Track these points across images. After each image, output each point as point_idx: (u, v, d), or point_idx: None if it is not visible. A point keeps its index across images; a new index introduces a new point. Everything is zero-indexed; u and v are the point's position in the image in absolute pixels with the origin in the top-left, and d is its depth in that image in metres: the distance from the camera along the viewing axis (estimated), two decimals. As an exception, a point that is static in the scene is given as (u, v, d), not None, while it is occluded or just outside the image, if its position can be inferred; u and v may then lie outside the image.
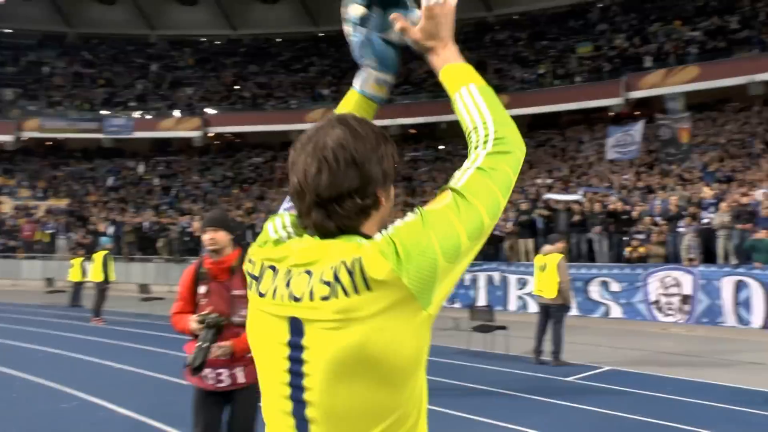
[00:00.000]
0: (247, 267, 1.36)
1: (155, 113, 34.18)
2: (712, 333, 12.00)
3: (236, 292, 3.62)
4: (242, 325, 3.59)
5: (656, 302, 13.28)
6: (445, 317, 10.83)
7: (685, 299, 12.91)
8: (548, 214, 16.36)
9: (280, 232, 1.36)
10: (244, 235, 21.39)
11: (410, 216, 1.22)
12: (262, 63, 37.16)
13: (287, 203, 1.49)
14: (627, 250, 14.53)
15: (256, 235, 15.15)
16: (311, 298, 1.21)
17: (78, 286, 16.76)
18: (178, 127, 33.33)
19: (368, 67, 1.54)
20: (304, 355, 1.22)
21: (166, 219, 25.26)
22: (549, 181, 21.86)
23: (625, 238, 14.93)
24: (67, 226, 26.13)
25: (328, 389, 1.21)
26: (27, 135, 32.87)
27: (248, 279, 1.35)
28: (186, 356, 3.51)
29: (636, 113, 25.34)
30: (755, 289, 12.11)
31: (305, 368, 1.22)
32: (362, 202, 1.25)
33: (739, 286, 12.29)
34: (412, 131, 31.98)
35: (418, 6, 1.46)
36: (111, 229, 23.96)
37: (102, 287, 14.09)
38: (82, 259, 16.54)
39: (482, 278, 15.58)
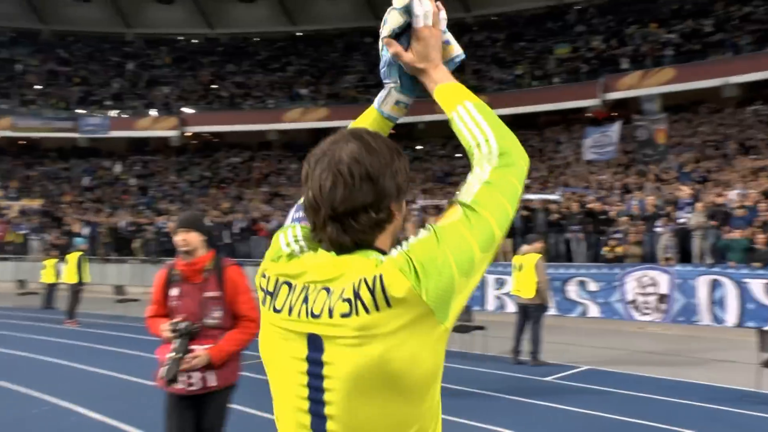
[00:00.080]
0: (260, 282, 1.37)
1: (132, 112, 33.80)
2: (688, 332, 12.10)
3: (209, 294, 3.57)
4: (215, 327, 3.54)
5: (633, 301, 13.37)
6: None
7: (662, 298, 13.01)
8: (526, 214, 16.42)
9: (293, 246, 1.38)
10: (221, 236, 21.21)
11: (424, 233, 1.24)
12: (239, 62, 36.92)
13: (296, 213, 1.51)
14: (604, 250, 14.62)
15: (233, 235, 15.02)
16: (331, 316, 1.23)
17: (51, 288, 16.50)
18: (154, 126, 32.99)
19: (390, 87, 1.56)
20: (325, 371, 1.24)
21: (142, 219, 24.96)
22: (527, 181, 21.91)
23: (602, 238, 15.02)
24: (40, 227, 25.71)
25: (349, 403, 1.23)
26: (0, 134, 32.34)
27: (261, 294, 1.36)
28: (158, 360, 3.48)
29: (613, 114, 25.55)
30: (729, 288, 12.23)
31: (326, 383, 1.24)
32: (376, 216, 1.26)
33: (714, 285, 12.41)
34: (391, 131, 31.95)
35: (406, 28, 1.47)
36: (86, 230, 23.60)
37: (76, 289, 13.87)
38: (55, 260, 16.28)
39: (461, 278, 15.54)
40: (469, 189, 1.30)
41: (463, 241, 1.22)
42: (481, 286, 15.40)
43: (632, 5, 30.97)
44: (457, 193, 1.31)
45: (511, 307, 12.20)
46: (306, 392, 1.27)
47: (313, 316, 1.25)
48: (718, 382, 7.98)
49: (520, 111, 27.27)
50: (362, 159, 1.26)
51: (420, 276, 1.18)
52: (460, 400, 7.15)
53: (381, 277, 1.20)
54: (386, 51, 1.51)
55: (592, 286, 13.93)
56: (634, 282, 13.36)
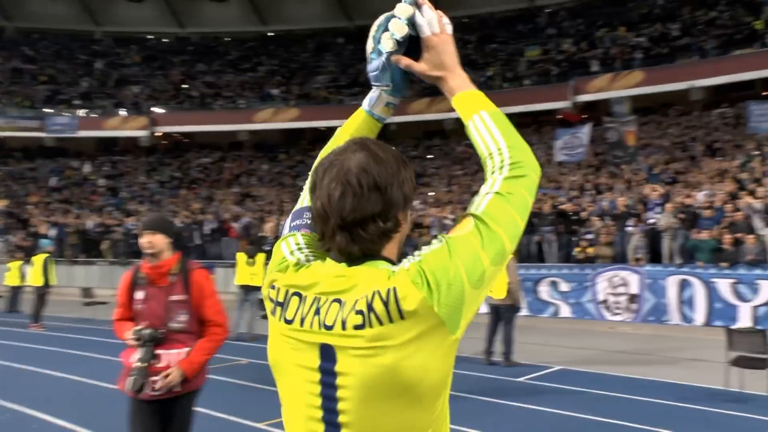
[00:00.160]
0: (269, 293, 1.38)
1: (101, 112, 33.20)
2: (658, 331, 12.25)
3: (174, 298, 3.52)
4: (181, 331, 3.47)
5: (604, 301, 13.49)
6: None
7: (632, 298, 13.15)
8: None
9: (297, 254, 1.40)
10: (191, 237, 20.95)
11: (436, 244, 1.27)
12: (210, 62, 36.54)
13: (293, 222, 1.53)
14: (576, 251, 14.74)
15: (203, 236, 14.76)
16: (344, 327, 1.25)
17: (16, 291, 16.13)
18: (124, 126, 32.46)
19: (381, 90, 1.58)
20: (338, 381, 1.26)
21: (111, 221, 24.54)
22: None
23: (574, 239, 15.14)
24: (5, 229, 25.12)
25: (363, 412, 1.26)
26: (-38, 133, 31.58)
27: (270, 305, 1.37)
28: (123, 364, 3.46)
29: (584, 116, 25.80)
30: (698, 288, 12.41)
31: (339, 393, 1.27)
32: (384, 226, 1.29)
33: (683, 285, 12.58)
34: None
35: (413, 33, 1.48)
36: (53, 232, 23.13)
37: (42, 292, 13.57)
38: (20, 262, 15.92)
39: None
40: (481, 200, 1.32)
41: (475, 253, 1.24)
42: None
43: (602, 9, 31.35)
44: (470, 204, 1.34)
45: (483, 308, 12.22)
46: (319, 401, 1.30)
47: (326, 327, 1.27)
48: (689, 381, 8.07)
49: (492, 113, 27.35)
50: (370, 169, 1.28)
51: (432, 288, 1.21)
52: (433, 402, 7.10)
53: (395, 290, 1.22)
54: (375, 55, 1.52)
55: (564, 286, 14.02)
56: (605, 282, 13.49)
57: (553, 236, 15.55)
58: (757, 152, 18.55)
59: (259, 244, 12.87)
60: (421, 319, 1.21)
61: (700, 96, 24.29)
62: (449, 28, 1.49)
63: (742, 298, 11.99)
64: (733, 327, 8.40)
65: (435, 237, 1.31)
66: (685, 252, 13.46)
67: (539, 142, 26.26)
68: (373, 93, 1.61)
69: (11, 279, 15.89)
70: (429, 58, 1.47)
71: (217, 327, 3.60)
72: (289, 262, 1.39)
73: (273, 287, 1.37)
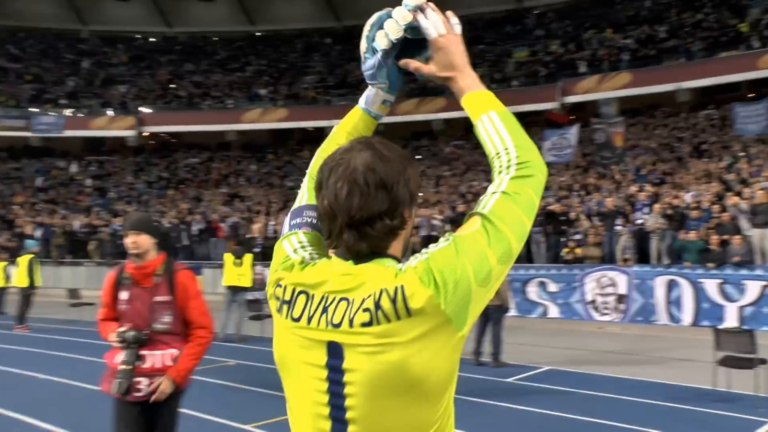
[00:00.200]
0: (275, 291, 1.39)
1: (87, 111, 32.93)
2: (645, 331, 12.30)
3: (159, 299, 3.50)
4: (165, 332, 3.45)
5: (593, 302, 13.54)
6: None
7: (620, 298, 13.20)
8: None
9: (301, 253, 1.41)
10: (179, 238, 20.83)
11: (443, 242, 1.28)
12: (198, 62, 36.36)
13: (293, 220, 1.53)
14: (564, 251, 14.78)
15: (191, 237, 14.65)
16: (351, 325, 1.27)
17: (1, 292, 15.95)
18: (111, 126, 32.21)
19: (377, 88, 1.60)
20: (346, 378, 1.28)
21: (98, 221, 24.35)
22: (486, 183, 22.08)
23: (562, 240, 15.18)
24: (-10, 229, 24.86)
25: (370, 408, 1.27)
26: (-54, 133, 31.21)
27: (275, 302, 1.38)
28: (107, 365, 3.45)
29: (572, 117, 25.90)
30: (685, 288, 12.48)
31: (347, 389, 1.28)
32: (391, 223, 1.30)
33: (671, 286, 12.64)
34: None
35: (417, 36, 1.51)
36: (39, 232, 22.91)
37: (27, 293, 13.44)
38: (5, 263, 15.74)
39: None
40: (488, 200, 1.34)
41: (482, 252, 1.26)
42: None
43: (589, 10, 31.49)
44: (477, 203, 1.36)
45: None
46: (326, 398, 1.31)
47: (334, 325, 1.29)
48: (677, 381, 8.10)
49: (479, 113, 27.38)
50: (377, 167, 1.29)
51: (439, 286, 1.23)
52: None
53: (402, 288, 1.23)
54: (370, 54, 1.54)
55: (552, 287, 14.06)
56: (594, 282, 13.53)
57: (541, 237, 15.58)
58: (742, 153, 18.70)
59: (246, 245, 12.81)
60: (428, 317, 1.23)
61: (687, 97, 24.46)
62: (458, 28, 1.51)
63: (728, 299, 12.07)
64: (720, 327, 8.44)
65: (431, 238, 1.30)
66: (672, 252, 13.53)
67: (527, 143, 26.34)
68: (370, 91, 1.62)
69: (-4, 280, 15.71)
70: (438, 60, 1.49)
71: (202, 329, 3.59)
72: (293, 260, 1.40)
73: (279, 285, 1.38)
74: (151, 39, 38.48)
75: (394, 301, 1.23)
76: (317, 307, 1.32)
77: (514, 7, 33.58)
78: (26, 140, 31.97)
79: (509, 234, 1.29)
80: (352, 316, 1.27)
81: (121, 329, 3.42)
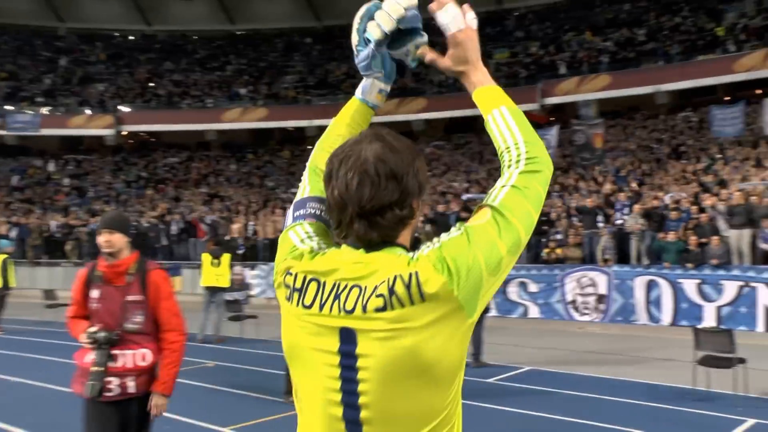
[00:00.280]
0: (286, 279, 1.40)
1: (65, 110, 32.48)
2: (625, 331, 12.37)
3: (131, 298, 3.46)
4: (136, 332, 3.39)
5: (573, 302, 13.59)
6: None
7: (601, 299, 13.27)
8: (465, 215, 16.50)
9: (309, 242, 1.44)
10: (158, 238, 20.60)
11: (455, 232, 1.32)
12: (177, 60, 36.05)
13: (296, 211, 1.55)
14: (545, 252, 14.82)
15: (170, 237, 14.46)
16: (365, 311, 1.29)
17: (-26, 293, 15.61)
18: (89, 124, 31.80)
19: (373, 78, 1.64)
20: (359, 363, 1.30)
21: (75, 221, 24.01)
22: (466, 184, 22.14)
23: (542, 240, 15.22)
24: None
25: (383, 393, 1.29)
26: None
27: (285, 291, 1.39)
28: (77, 366, 3.42)
29: (551, 118, 26.05)
30: (665, 288, 12.58)
31: (360, 375, 1.30)
32: (401, 213, 1.33)
33: (651, 286, 12.73)
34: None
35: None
36: (14, 232, 22.53)
37: (1, 294, 13.16)
38: (-21, 263, 15.42)
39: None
40: (498, 193, 1.38)
41: (492, 242, 1.30)
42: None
43: (569, 13, 31.72)
44: (486, 195, 1.40)
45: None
46: (338, 384, 1.33)
47: (347, 311, 1.31)
48: (657, 380, 8.13)
49: (459, 114, 27.45)
50: (387, 158, 1.32)
51: (452, 273, 1.26)
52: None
53: (417, 274, 1.27)
54: (362, 46, 1.56)
55: (533, 287, 14.10)
56: (574, 283, 13.59)
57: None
58: (719, 156, 18.91)
59: (225, 245, 12.67)
60: (441, 303, 1.26)
61: (666, 100, 24.71)
62: (474, 22, 1.53)
63: (707, 299, 12.18)
64: (699, 327, 8.49)
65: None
66: (652, 253, 13.63)
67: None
68: (365, 82, 1.65)
69: (-31, 281, 15.39)
70: (454, 54, 1.52)
71: (173, 332, 3.55)
72: (302, 249, 1.42)
73: (289, 273, 1.39)
74: (130, 37, 38.10)
75: (408, 286, 1.26)
76: (329, 294, 1.33)
77: (494, 8, 33.70)
78: (1, 138, 31.45)
79: (518, 225, 1.33)
80: (365, 302, 1.29)
81: (92, 330, 3.37)
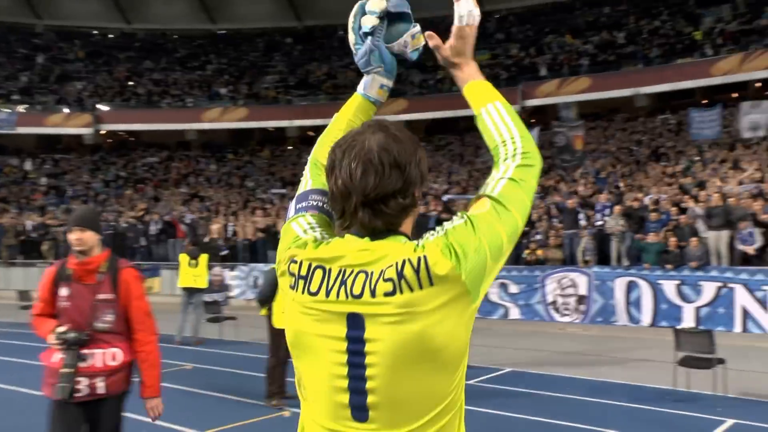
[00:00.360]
0: (290, 267, 1.41)
1: (42, 108, 31.99)
2: (606, 332, 12.42)
3: (101, 297, 3.37)
4: (107, 332, 3.31)
5: (553, 303, 13.63)
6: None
7: (581, 299, 13.32)
8: (448, 217, 16.50)
9: (312, 233, 1.45)
10: (136, 238, 20.34)
11: (458, 220, 1.37)
12: (157, 59, 35.70)
13: (298, 204, 1.56)
14: (525, 253, 14.84)
15: (149, 237, 14.25)
16: (373, 295, 1.31)
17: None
18: (67, 123, 31.34)
19: (374, 73, 1.66)
20: (367, 348, 1.31)
21: (52, 221, 23.64)
22: (447, 185, 22.15)
23: (523, 241, 15.24)
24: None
25: (391, 377, 1.31)
26: None
27: (290, 279, 1.40)
28: (44, 366, 3.36)
29: (532, 120, 26.15)
30: (644, 289, 12.65)
31: (368, 360, 1.31)
32: (404, 202, 1.37)
33: (631, 287, 12.80)
34: (311, 133, 31.73)
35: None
36: (-12, 232, 22.17)
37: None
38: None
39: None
40: (496, 184, 1.43)
41: (494, 229, 1.35)
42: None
43: (549, 15, 31.89)
44: (483, 186, 1.44)
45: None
46: (345, 370, 1.34)
47: (354, 296, 1.32)
48: (638, 381, 8.16)
49: (440, 115, 27.49)
50: (391, 148, 1.35)
51: (460, 257, 1.30)
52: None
53: (425, 257, 1.30)
54: (360, 44, 1.59)
55: (513, 288, 14.12)
56: (555, 284, 13.62)
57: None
58: (698, 158, 19.11)
59: (203, 246, 12.53)
60: (449, 286, 1.30)
61: (645, 103, 24.93)
62: (478, 19, 1.59)
63: (686, 299, 12.27)
64: (679, 327, 8.54)
65: (455, 214, 1.40)
66: (632, 254, 13.71)
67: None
68: (367, 78, 1.68)
69: (-59, 281, 15.12)
70: (455, 46, 1.59)
71: (143, 333, 3.48)
72: (306, 239, 1.43)
73: (294, 261, 1.40)
74: (109, 35, 37.65)
75: (417, 270, 1.29)
76: (335, 280, 1.35)
77: (476, 10, 33.77)
78: (-25, 137, 30.95)
79: (516, 214, 1.39)
80: (373, 286, 1.31)
81: (61, 330, 3.28)
